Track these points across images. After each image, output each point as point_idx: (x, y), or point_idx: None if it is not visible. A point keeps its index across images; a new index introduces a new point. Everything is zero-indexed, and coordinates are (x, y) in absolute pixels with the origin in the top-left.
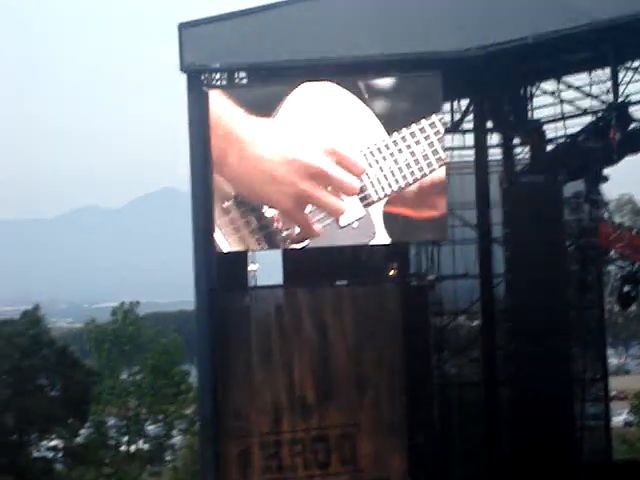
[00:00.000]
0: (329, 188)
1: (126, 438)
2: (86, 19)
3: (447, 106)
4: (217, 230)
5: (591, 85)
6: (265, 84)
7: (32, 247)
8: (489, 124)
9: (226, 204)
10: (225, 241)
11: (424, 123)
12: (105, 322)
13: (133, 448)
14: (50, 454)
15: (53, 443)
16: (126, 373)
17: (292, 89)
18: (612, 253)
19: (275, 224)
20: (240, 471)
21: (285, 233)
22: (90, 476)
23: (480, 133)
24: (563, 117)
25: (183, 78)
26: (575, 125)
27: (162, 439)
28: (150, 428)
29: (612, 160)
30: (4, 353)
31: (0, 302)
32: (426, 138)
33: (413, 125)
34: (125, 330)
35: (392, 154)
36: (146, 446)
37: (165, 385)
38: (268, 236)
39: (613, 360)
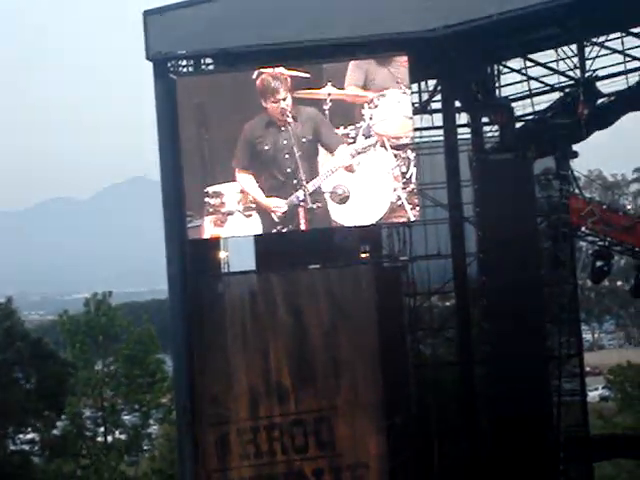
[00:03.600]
0: None
1: (103, 429)
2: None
3: (414, 87)
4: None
5: (558, 61)
6: (231, 69)
7: (1, 241)
8: (457, 104)
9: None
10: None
11: None
12: (78, 313)
13: (110, 439)
14: (27, 447)
15: (30, 436)
16: (101, 364)
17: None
18: (583, 229)
19: None
20: (218, 458)
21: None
22: (68, 468)
23: (448, 113)
24: (531, 94)
25: (150, 65)
26: (543, 102)
27: (139, 429)
28: (126, 418)
29: (581, 136)
30: None
31: None
32: None
33: None
34: (98, 321)
35: None
36: (123, 436)
37: (140, 375)
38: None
39: (587, 336)
